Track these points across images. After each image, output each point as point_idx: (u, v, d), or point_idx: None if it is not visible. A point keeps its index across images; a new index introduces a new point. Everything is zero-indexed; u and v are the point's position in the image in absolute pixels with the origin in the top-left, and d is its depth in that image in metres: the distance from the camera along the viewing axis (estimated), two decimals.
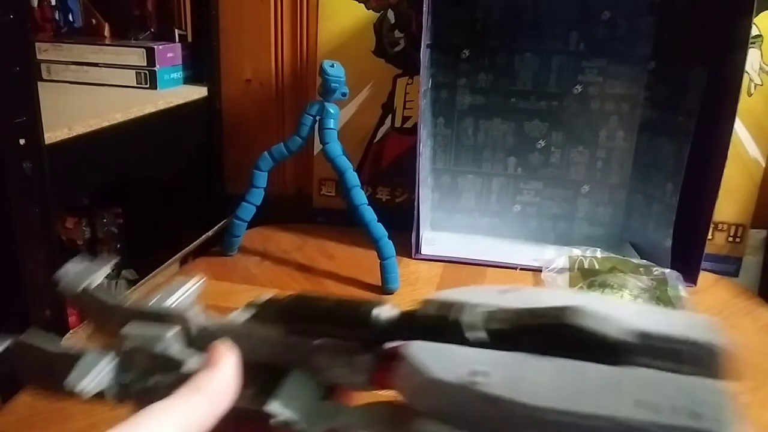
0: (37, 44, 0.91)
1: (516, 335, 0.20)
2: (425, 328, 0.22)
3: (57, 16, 1.02)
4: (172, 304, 0.29)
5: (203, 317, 0.27)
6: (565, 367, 0.19)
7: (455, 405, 0.19)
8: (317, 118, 0.79)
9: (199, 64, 0.98)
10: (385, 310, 0.23)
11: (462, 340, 0.21)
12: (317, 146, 0.90)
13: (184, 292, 0.30)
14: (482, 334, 0.21)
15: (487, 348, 0.20)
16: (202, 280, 0.30)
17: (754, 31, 0.83)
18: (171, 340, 0.26)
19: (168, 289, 0.30)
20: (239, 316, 0.27)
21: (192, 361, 0.25)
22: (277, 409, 0.24)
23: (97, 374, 0.26)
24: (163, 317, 0.27)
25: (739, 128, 0.86)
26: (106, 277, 0.31)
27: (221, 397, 0.23)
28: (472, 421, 0.19)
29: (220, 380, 0.24)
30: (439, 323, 0.21)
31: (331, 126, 0.78)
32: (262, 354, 0.25)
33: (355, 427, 0.23)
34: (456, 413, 0.19)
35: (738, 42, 0.73)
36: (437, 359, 0.20)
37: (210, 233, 0.92)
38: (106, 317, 0.29)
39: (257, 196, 0.82)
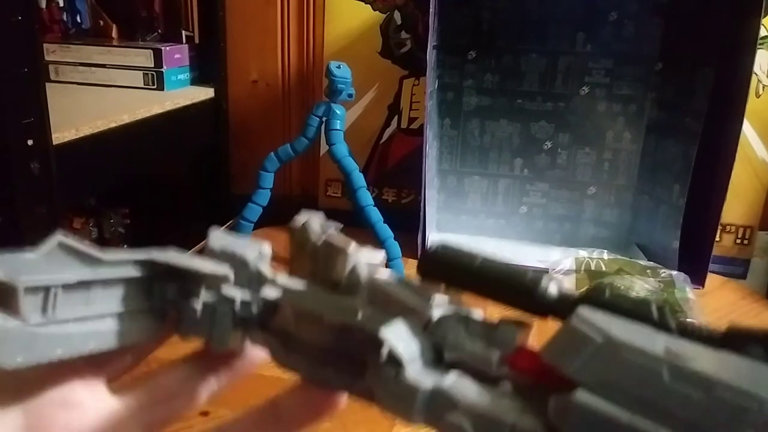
0: (45, 45, 0.91)
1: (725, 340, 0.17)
2: (615, 308, 0.18)
3: (65, 18, 1.02)
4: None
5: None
6: None
7: (640, 379, 0.16)
8: (323, 119, 0.79)
9: (206, 66, 0.99)
10: (556, 284, 0.21)
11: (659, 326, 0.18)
12: (323, 147, 0.90)
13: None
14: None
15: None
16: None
17: (762, 32, 0.83)
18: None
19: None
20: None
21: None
22: (392, 337, 0.20)
23: None
24: None
25: (747, 129, 0.86)
26: None
27: None
28: (654, 402, 0.16)
29: None
30: (636, 308, 0.18)
31: (338, 127, 0.78)
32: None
33: (476, 399, 0.19)
34: (634, 389, 0.16)
35: (746, 43, 0.72)
36: (619, 327, 0.17)
37: None
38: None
39: (263, 196, 0.82)
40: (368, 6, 0.92)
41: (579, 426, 0.17)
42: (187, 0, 0.99)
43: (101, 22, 1.02)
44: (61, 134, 0.64)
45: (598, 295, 0.20)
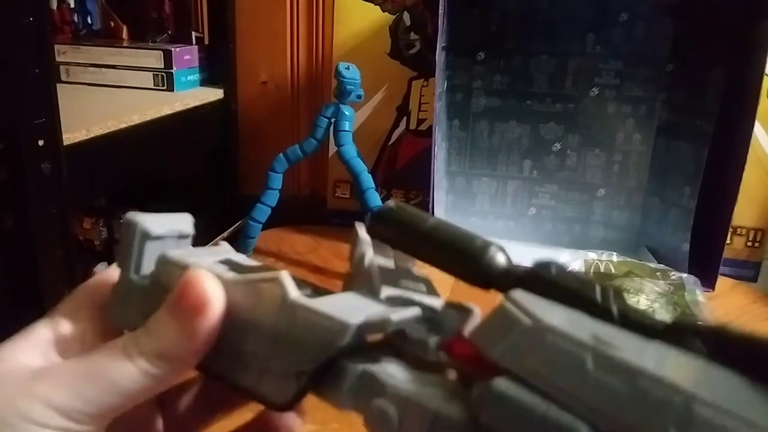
0: (56, 46, 0.92)
1: (665, 330, 0.17)
2: (558, 287, 0.18)
3: (76, 19, 1.03)
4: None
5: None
6: (711, 368, 0.15)
7: (564, 366, 0.15)
8: (332, 120, 0.79)
9: (216, 67, 0.99)
10: (504, 255, 0.20)
11: (598, 315, 0.17)
12: (332, 148, 0.90)
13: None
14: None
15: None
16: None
17: None
18: None
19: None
20: None
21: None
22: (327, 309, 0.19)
23: None
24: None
25: (759, 131, 0.85)
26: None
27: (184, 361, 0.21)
28: (575, 391, 0.15)
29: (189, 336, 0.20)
30: (581, 288, 0.18)
31: (346, 128, 0.78)
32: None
33: (404, 384, 0.19)
34: (557, 377, 0.15)
35: (757, 43, 0.72)
36: (551, 312, 0.17)
37: (225, 234, 0.92)
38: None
39: (272, 197, 0.82)
40: (377, 7, 0.92)
41: (495, 416, 0.16)
42: (197, 1, 0.99)
43: (112, 23, 1.03)
44: (71, 135, 0.65)
45: (543, 270, 0.19)
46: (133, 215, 0.23)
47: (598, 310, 0.18)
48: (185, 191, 1.04)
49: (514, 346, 0.16)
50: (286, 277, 0.20)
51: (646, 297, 0.73)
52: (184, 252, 0.24)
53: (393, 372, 0.19)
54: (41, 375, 0.20)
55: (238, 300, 0.21)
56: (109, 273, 0.25)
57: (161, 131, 0.83)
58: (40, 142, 0.58)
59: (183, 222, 0.25)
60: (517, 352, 0.16)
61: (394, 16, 0.92)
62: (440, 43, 0.78)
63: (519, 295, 0.17)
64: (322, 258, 0.86)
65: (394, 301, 0.22)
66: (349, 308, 0.20)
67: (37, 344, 0.22)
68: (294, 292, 0.20)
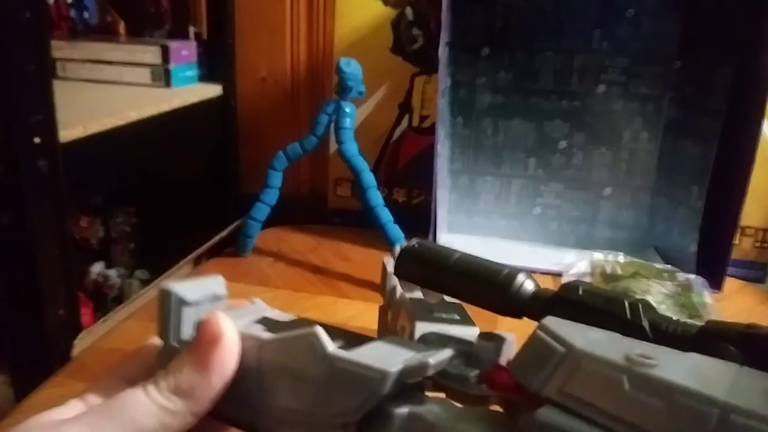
0: (52, 42, 0.90)
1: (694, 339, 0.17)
2: (587, 308, 0.18)
3: (72, 14, 1.02)
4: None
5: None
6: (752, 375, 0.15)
7: (603, 389, 0.16)
8: (333, 117, 0.78)
9: (214, 62, 0.98)
10: (532, 282, 0.21)
11: (630, 331, 0.17)
12: (333, 146, 0.89)
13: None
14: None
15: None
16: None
17: None
18: None
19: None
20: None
21: None
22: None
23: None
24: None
25: None
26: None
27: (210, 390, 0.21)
28: (616, 412, 0.15)
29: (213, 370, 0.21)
30: (609, 306, 0.18)
31: (347, 125, 0.77)
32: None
33: (451, 422, 0.19)
34: (596, 401, 0.16)
35: (766, 40, 0.71)
36: (582, 335, 0.17)
37: (224, 233, 0.91)
38: None
39: (272, 196, 0.81)
40: (379, 1, 0.91)
41: None
42: None
43: (109, 19, 1.02)
44: (68, 132, 0.64)
45: (571, 293, 0.20)
46: (167, 285, 0.24)
47: (630, 327, 0.18)
48: (184, 189, 1.03)
49: (551, 375, 0.17)
50: (320, 331, 0.21)
51: (653, 299, 0.71)
52: None
53: (438, 410, 0.20)
54: (68, 420, 0.21)
55: (276, 358, 0.22)
56: (146, 345, 0.26)
57: (159, 128, 0.82)
58: (37, 140, 0.57)
59: (215, 285, 0.26)
60: (555, 381, 0.17)
61: (396, 11, 0.91)
62: (444, 38, 0.77)
63: (551, 322, 0.18)
64: (323, 258, 0.85)
65: (430, 339, 0.23)
66: (387, 356, 0.20)
67: (72, 410, 0.23)
68: (331, 346, 0.21)
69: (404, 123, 0.95)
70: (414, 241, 0.23)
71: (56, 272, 0.61)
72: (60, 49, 0.92)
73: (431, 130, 0.87)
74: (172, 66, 0.90)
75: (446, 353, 0.21)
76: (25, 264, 0.59)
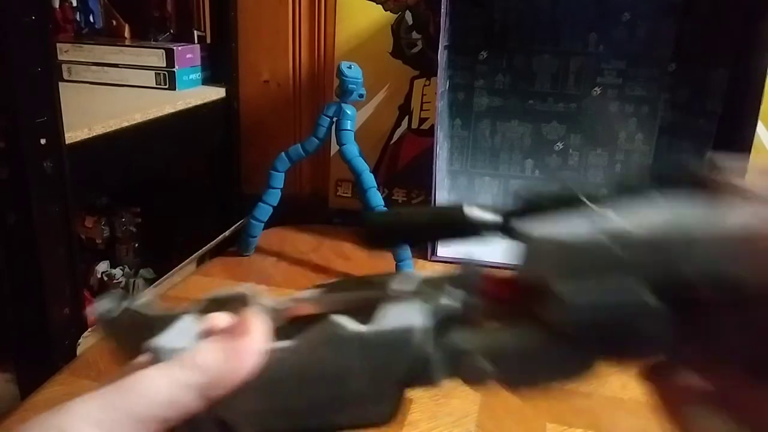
0: (58, 45, 0.92)
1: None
2: (549, 202, 0.21)
3: (78, 17, 1.03)
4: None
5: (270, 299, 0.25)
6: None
7: (594, 258, 0.19)
8: (334, 119, 0.79)
9: (218, 65, 0.99)
10: (472, 208, 0.23)
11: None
12: (334, 147, 0.90)
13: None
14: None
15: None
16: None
17: None
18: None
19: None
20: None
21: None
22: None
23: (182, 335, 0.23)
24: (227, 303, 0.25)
25: (761, 131, 0.85)
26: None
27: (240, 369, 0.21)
28: (618, 264, 0.18)
29: (245, 350, 0.22)
30: (561, 197, 0.21)
31: (348, 127, 0.78)
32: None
33: (480, 341, 0.21)
34: (596, 266, 0.19)
35: (760, 43, 0.72)
36: (557, 222, 0.20)
37: (227, 233, 0.92)
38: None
39: (274, 196, 0.82)
40: (379, 6, 0.92)
41: (579, 317, 0.19)
42: (200, 0, 0.99)
43: (114, 22, 1.03)
44: (73, 133, 0.65)
45: (528, 202, 0.22)
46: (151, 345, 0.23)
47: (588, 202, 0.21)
48: (187, 190, 1.04)
49: (555, 262, 0.19)
50: (335, 317, 0.22)
51: None
52: None
53: (466, 337, 0.22)
54: (79, 398, 0.21)
55: (309, 358, 0.22)
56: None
57: (163, 130, 0.83)
58: (42, 141, 0.58)
59: (191, 324, 0.26)
60: (556, 266, 0.19)
61: (396, 15, 0.92)
62: (442, 42, 0.78)
63: (523, 225, 0.21)
64: (324, 257, 0.86)
65: (420, 293, 0.24)
66: (401, 316, 0.22)
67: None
68: (351, 325, 0.22)
69: (404, 125, 0.96)
70: (373, 214, 0.26)
71: (62, 271, 0.62)
72: (66, 52, 0.94)
73: (430, 132, 0.88)
74: (176, 69, 0.91)
75: (448, 299, 0.23)
76: (30, 263, 0.60)
